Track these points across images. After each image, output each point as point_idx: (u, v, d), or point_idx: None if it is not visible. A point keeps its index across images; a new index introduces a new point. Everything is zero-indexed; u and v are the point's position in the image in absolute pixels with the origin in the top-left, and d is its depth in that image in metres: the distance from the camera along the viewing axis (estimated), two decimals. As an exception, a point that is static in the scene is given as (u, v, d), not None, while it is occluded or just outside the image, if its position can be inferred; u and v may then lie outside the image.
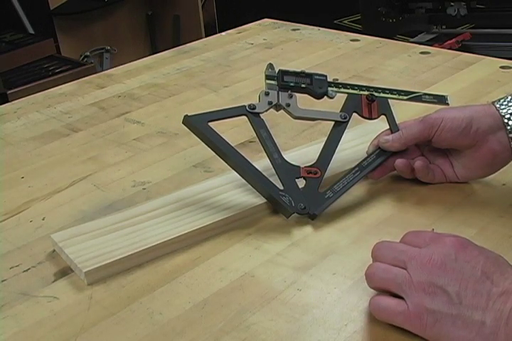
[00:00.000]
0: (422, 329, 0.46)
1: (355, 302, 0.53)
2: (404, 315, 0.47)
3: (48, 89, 1.04)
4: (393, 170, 0.68)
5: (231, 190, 0.67)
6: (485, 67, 1.01)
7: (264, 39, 1.22)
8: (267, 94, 0.66)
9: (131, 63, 1.14)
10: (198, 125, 0.64)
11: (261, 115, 0.66)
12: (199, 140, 0.65)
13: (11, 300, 0.55)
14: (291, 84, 0.67)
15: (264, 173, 0.64)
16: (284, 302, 0.53)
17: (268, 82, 0.67)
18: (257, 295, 0.54)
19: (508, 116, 0.63)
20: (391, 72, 1.02)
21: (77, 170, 0.77)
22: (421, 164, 0.67)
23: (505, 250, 0.58)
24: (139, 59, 1.15)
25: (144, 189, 0.72)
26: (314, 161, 0.66)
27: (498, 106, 0.64)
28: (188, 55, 1.15)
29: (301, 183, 0.65)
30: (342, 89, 0.70)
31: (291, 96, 0.67)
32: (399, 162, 0.67)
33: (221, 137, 0.64)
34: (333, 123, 0.69)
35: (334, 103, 0.70)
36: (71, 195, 0.72)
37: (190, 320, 0.52)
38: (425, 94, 0.72)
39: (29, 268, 0.59)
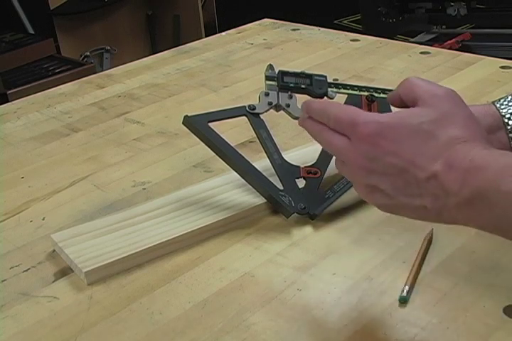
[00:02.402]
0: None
1: (355, 302, 0.53)
2: None
3: (48, 89, 1.04)
4: (393, 170, 0.68)
5: (231, 190, 0.67)
6: (485, 67, 1.01)
7: (264, 39, 1.22)
8: (266, 94, 0.66)
9: (131, 63, 1.14)
10: (198, 125, 0.64)
11: (261, 115, 0.66)
12: (199, 140, 0.65)
13: (11, 300, 0.55)
14: (291, 85, 0.67)
15: (264, 173, 0.64)
16: (284, 302, 0.53)
17: (268, 82, 0.67)
18: (257, 295, 0.54)
19: (508, 115, 0.63)
20: (391, 72, 1.02)
21: (77, 170, 0.77)
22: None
23: (505, 250, 0.58)
24: (139, 59, 1.15)
25: (144, 189, 0.72)
26: (314, 161, 0.66)
27: (498, 105, 0.64)
28: (188, 55, 1.16)
29: (301, 183, 0.65)
30: (342, 90, 0.70)
31: (291, 97, 0.67)
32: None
33: (221, 137, 0.64)
34: (333, 123, 0.69)
35: (334, 103, 0.69)
36: (71, 195, 0.72)
37: (190, 320, 0.52)
38: (425, 94, 0.72)
39: (29, 268, 0.59)
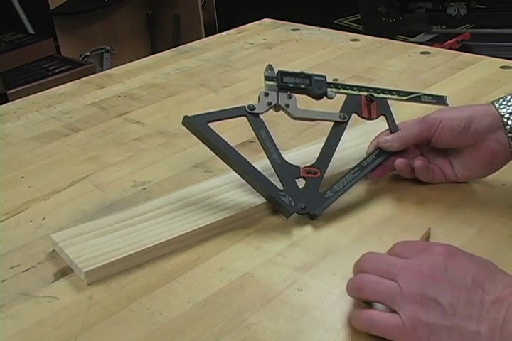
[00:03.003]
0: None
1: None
2: (399, 328, 0.46)
3: (48, 89, 1.04)
4: (393, 170, 0.68)
5: (231, 190, 0.67)
6: (485, 67, 1.01)
7: (264, 39, 1.22)
8: (266, 94, 0.66)
9: (131, 63, 1.14)
10: (198, 126, 0.64)
11: (260, 115, 0.66)
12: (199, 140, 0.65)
13: (11, 300, 0.55)
14: (291, 85, 0.67)
15: (264, 173, 0.64)
16: (284, 302, 0.53)
17: (267, 83, 0.67)
18: (257, 295, 0.54)
19: (507, 115, 0.63)
20: (391, 72, 1.02)
21: (77, 170, 0.77)
22: (421, 163, 0.67)
23: (505, 250, 0.58)
24: (139, 59, 1.15)
25: (144, 189, 0.72)
26: (314, 161, 0.66)
27: (497, 105, 0.64)
28: (188, 55, 1.16)
29: (300, 183, 0.65)
30: (341, 90, 0.70)
31: (290, 97, 0.67)
32: (399, 161, 0.67)
33: (221, 138, 0.64)
34: (332, 123, 0.69)
35: (334, 103, 0.70)
36: (71, 195, 0.72)
37: (190, 320, 0.52)
38: (424, 94, 0.72)
39: (29, 268, 0.59)
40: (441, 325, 0.44)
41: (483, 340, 0.43)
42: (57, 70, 2.25)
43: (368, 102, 0.69)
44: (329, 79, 0.70)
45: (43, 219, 0.67)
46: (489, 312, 0.44)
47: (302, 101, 0.68)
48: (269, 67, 0.68)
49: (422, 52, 1.10)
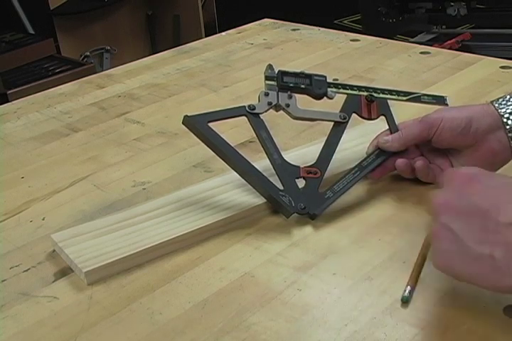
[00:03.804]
0: (443, 269, 0.47)
1: (355, 302, 0.53)
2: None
3: (48, 89, 1.04)
4: (393, 170, 0.68)
5: (231, 190, 0.67)
6: (485, 67, 1.01)
7: (264, 39, 1.22)
8: (266, 94, 0.66)
9: (131, 63, 1.14)
10: (198, 125, 0.64)
11: (260, 115, 0.66)
12: (199, 140, 0.65)
13: (11, 300, 0.55)
14: (291, 85, 0.67)
15: (264, 173, 0.64)
16: (284, 302, 0.53)
17: (268, 82, 0.67)
18: (257, 295, 0.54)
19: (507, 115, 0.63)
20: (391, 72, 1.02)
21: (77, 170, 0.77)
22: (421, 164, 0.67)
23: (505, 250, 0.58)
24: (139, 59, 1.15)
25: (144, 189, 0.72)
26: (314, 161, 0.66)
27: (496, 105, 0.64)
28: (188, 55, 1.16)
29: (301, 183, 0.65)
30: (341, 90, 0.70)
31: (290, 97, 0.67)
32: (400, 161, 0.67)
33: (221, 137, 0.64)
34: (332, 123, 0.69)
35: (334, 103, 0.70)
36: (71, 195, 0.72)
37: (190, 320, 0.52)
38: (424, 94, 0.72)
39: (29, 268, 0.59)
40: (454, 251, 0.45)
41: (499, 264, 0.43)
42: (57, 70, 2.25)
43: (368, 102, 0.69)
44: (329, 79, 0.70)
45: (43, 219, 0.67)
46: (505, 234, 0.43)
47: (302, 101, 0.68)
48: (270, 67, 0.68)
49: (422, 52, 1.10)
